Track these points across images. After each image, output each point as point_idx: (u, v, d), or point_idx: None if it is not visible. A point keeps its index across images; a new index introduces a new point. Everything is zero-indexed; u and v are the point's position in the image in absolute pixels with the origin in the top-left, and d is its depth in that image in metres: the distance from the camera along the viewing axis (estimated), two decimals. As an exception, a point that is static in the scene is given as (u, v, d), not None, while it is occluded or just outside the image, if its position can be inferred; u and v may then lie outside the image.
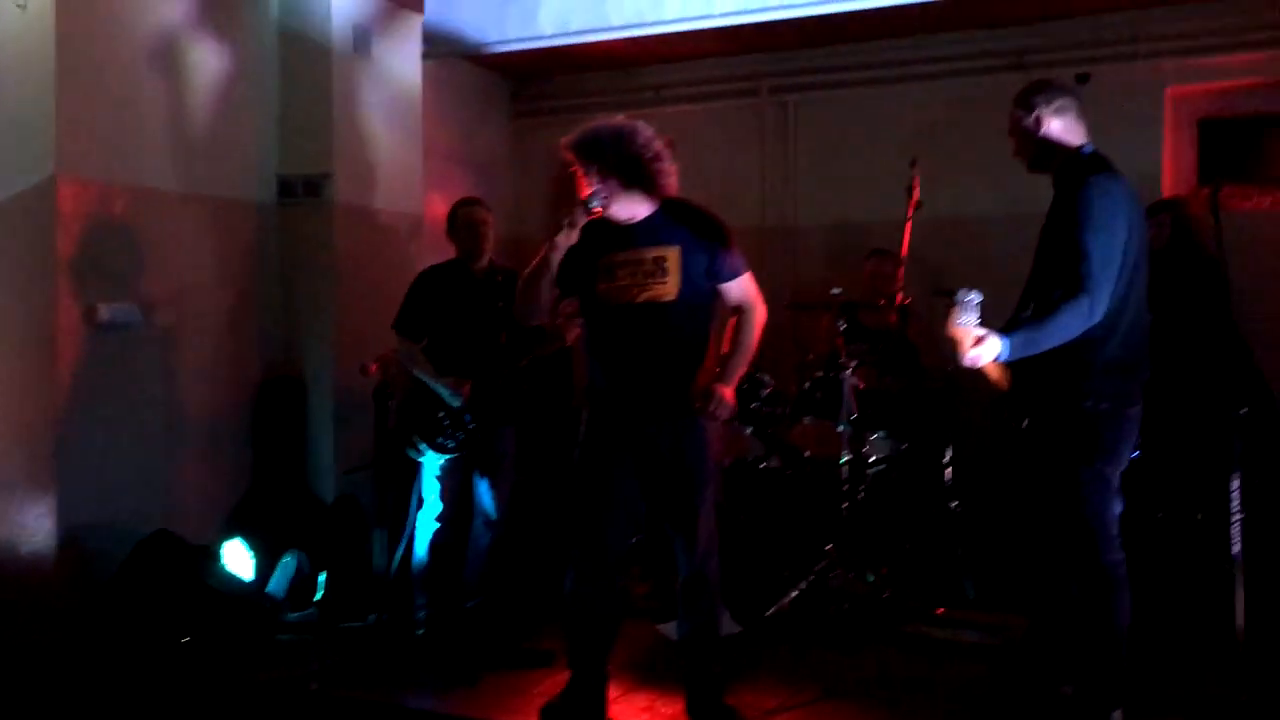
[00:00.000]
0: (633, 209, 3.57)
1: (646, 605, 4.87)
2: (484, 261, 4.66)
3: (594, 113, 7.03)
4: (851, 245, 5.84)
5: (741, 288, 3.64)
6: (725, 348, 3.67)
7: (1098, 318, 3.20)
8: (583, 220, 3.49)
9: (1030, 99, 3.48)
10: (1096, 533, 3.32)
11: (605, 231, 3.59)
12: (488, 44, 5.86)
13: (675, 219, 3.59)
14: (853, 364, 4.78)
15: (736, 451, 5.25)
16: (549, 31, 5.55)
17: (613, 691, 3.84)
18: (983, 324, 3.16)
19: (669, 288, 3.52)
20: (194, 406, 5.12)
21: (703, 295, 3.58)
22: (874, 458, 5.07)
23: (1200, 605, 4.21)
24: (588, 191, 3.52)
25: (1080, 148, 3.45)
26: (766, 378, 5.14)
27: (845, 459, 4.78)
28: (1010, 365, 3.31)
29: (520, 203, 7.50)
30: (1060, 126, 3.43)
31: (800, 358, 5.44)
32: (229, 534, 4.98)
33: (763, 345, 5.77)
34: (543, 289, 3.60)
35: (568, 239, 3.51)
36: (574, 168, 3.61)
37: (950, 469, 5.11)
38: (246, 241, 5.42)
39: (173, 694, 4.10)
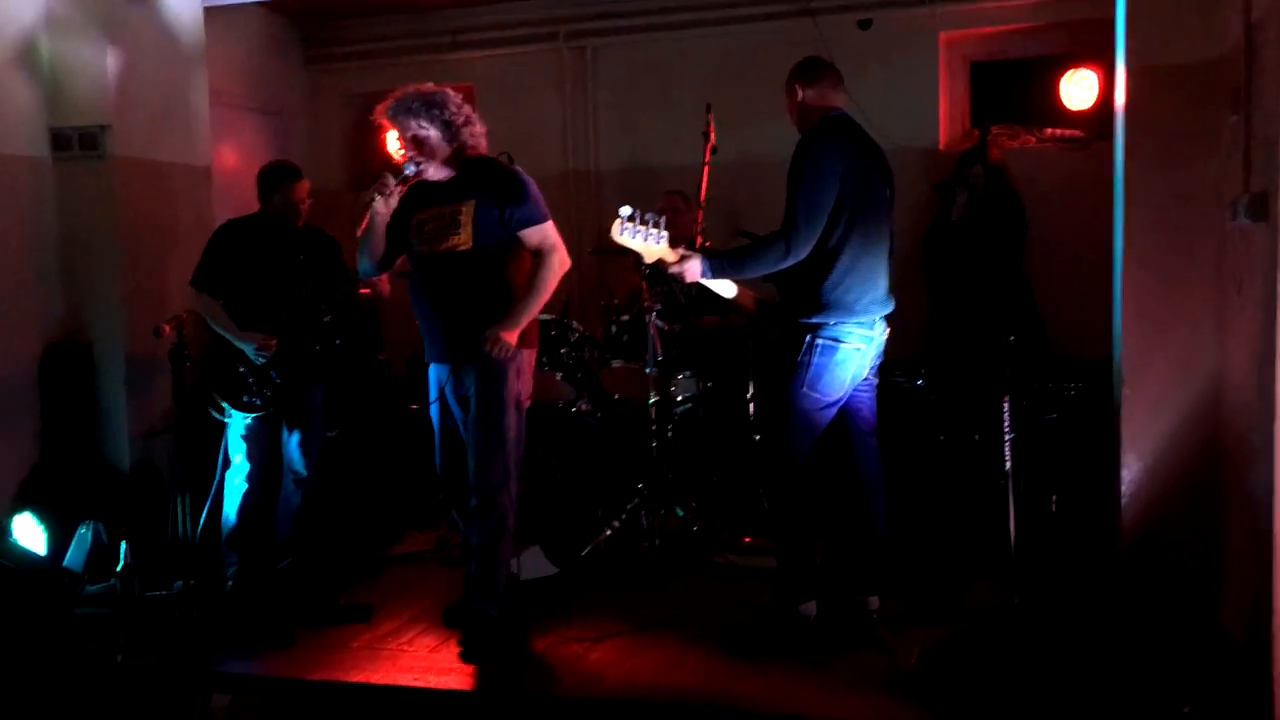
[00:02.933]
0: (447, 169, 3.90)
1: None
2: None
3: (390, 58, 7.02)
4: (653, 189, 5.90)
5: (539, 234, 3.92)
6: None
7: (795, 258, 3.65)
8: (396, 189, 3.82)
9: (792, 73, 3.91)
10: (793, 452, 3.74)
11: (420, 190, 3.95)
12: (273, -12, 5.62)
13: (474, 175, 3.90)
14: (656, 307, 4.88)
15: (547, 396, 5.32)
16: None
17: (412, 630, 4.12)
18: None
19: (463, 238, 3.84)
20: (-30, 376, 4.84)
21: (499, 245, 3.87)
22: (681, 397, 5.23)
23: (979, 519, 4.54)
24: (402, 159, 3.85)
25: (826, 110, 3.81)
26: (575, 323, 5.21)
27: (653, 399, 4.90)
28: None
29: (316, 151, 7.29)
30: (813, 94, 3.85)
31: (606, 301, 5.52)
32: (18, 508, 4.76)
33: (569, 290, 5.87)
34: (374, 249, 3.98)
35: (387, 207, 3.85)
36: (385, 132, 4.06)
37: (753, 404, 5.31)
38: (18, 200, 5.07)
39: (-35, 679, 3.92)
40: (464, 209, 3.83)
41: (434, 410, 4.06)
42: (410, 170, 3.83)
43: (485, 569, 3.90)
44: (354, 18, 7.02)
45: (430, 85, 3.89)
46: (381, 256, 4.01)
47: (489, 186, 3.86)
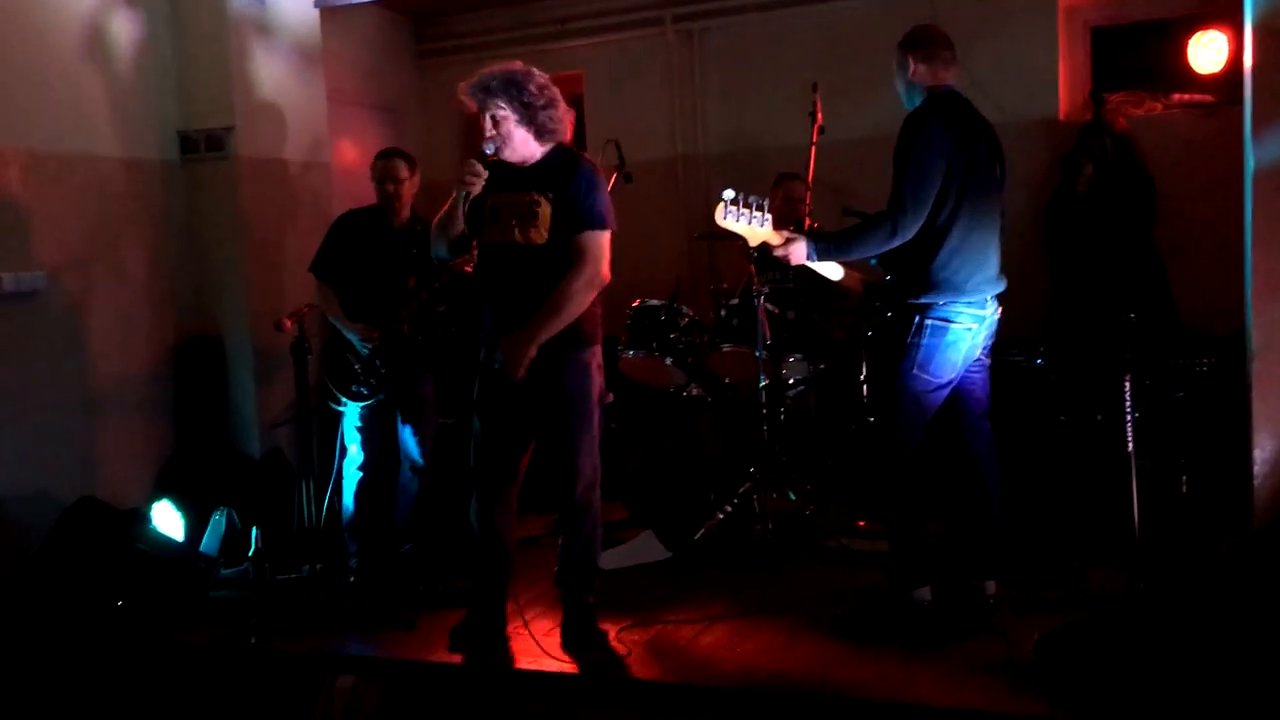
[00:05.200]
0: (525, 152, 3.73)
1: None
2: (403, 215, 4.67)
3: (499, 49, 7.10)
4: (761, 171, 5.87)
5: (585, 241, 3.67)
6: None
7: (902, 238, 3.58)
8: (481, 171, 3.65)
9: (905, 43, 3.77)
10: (904, 435, 3.67)
11: (499, 172, 3.74)
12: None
13: (556, 167, 3.73)
14: (765, 290, 4.85)
15: (658, 381, 5.34)
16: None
17: (529, 614, 4.07)
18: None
19: (540, 232, 3.67)
20: (111, 371, 5.08)
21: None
22: (792, 380, 5.18)
23: (1103, 502, 4.40)
24: (484, 139, 3.68)
25: (935, 88, 3.70)
26: (684, 308, 5.21)
27: (763, 383, 4.88)
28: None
29: (431, 144, 7.43)
30: (926, 70, 3.72)
31: (715, 285, 5.51)
32: (157, 496, 5.01)
33: (678, 275, 5.86)
34: (451, 232, 3.80)
35: (472, 190, 3.67)
36: (472, 112, 3.75)
37: (866, 386, 5.24)
38: (151, 201, 5.33)
39: (111, 660, 4.12)
40: (543, 201, 3.68)
41: (488, 404, 3.87)
42: (489, 150, 3.68)
43: (585, 562, 3.91)
44: (463, 11, 7.13)
45: (516, 64, 3.72)
46: (455, 239, 3.82)
47: (569, 183, 3.68)
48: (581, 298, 3.67)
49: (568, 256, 3.68)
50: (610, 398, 3.89)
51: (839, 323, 5.30)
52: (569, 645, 3.83)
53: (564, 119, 3.74)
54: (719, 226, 3.73)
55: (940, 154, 3.56)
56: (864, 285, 3.91)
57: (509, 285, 3.74)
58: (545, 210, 3.68)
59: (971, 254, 3.62)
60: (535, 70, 3.72)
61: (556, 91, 3.73)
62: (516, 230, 3.69)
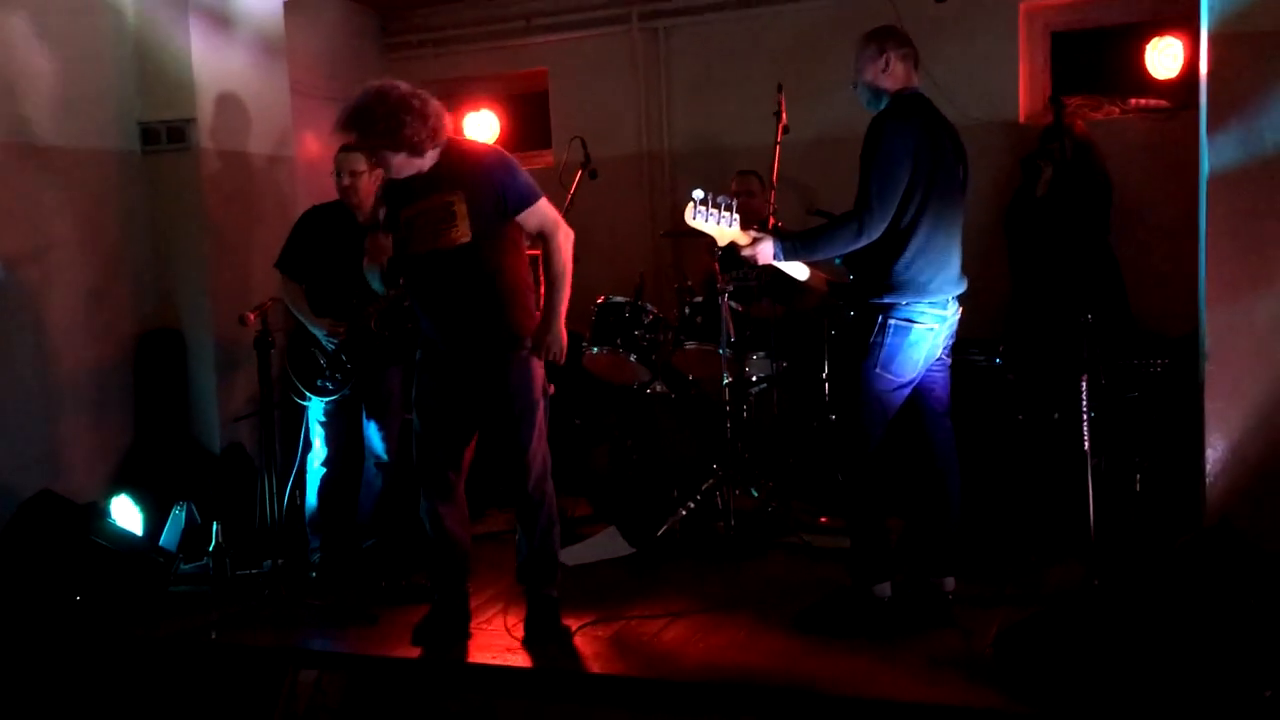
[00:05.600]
0: (415, 167, 3.70)
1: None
2: (367, 209, 4.63)
3: (465, 44, 7.10)
4: (726, 170, 5.90)
5: (537, 216, 3.77)
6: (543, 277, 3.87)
7: (868, 238, 3.62)
8: (379, 207, 3.83)
9: (883, 38, 3.78)
10: (866, 433, 3.72)
11: (400, 189, 3.76)
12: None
13: (459, 162, 3.73)
14: (729, 289, 4.88)
15: (622, 377, 5.36)
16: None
17: (491, 609, 4.14)
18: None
19: (461, 231, 3.68)
20: (70, 363, 5.03)
21: (499, 232, 3.75)
22: (755, 377, 5.22)
23: (1060, 499, 4.47)
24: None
25: (901, 90, 3.75)
26: (648, 305, 5.23)
27: (726, 380, 4.91)
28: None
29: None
30: (902, 70, 3.76)
31: (680, 283, 5.54)
32: (116, 490, 4.95)
33: (643, 272, 5.90)
34: (378, 267, 3.89)
35: (383, 263, 3.83)
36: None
37: (828, 383, 5.29)
38: (112, 193, 5.28)
39: (69, 654, 4.08)
40: (455, 200, 3.66)
41: (427, 402, 3.89)
42: (379, 191, 3.85)
43: (545, 556, 3.94)
44: (430, 4, 7.09)
45: (369, 87, 3.60)
46: (384, 269, 3.86)
47: (477, 173, 3.69)
48: (570, 259, 3.81)
49: (494, 246, 3.73)
50: (551, 389, 3.93)
51: (796, 300, 5.31)
52: (532, 640, 3.85)
53: (428, 125, 3.59)
54: (686, 225, 3.76)
55: (907, 155, 3.61)
56: (828, 284, 3.95)
57: (443, 290, 3.77)
58: (461, 207, 3.67)
59: (935, 255, 3.68)
60: (386, 88, 3.58)
61: (412, 101, 3.57)
62: (438, 236, 3.70)
